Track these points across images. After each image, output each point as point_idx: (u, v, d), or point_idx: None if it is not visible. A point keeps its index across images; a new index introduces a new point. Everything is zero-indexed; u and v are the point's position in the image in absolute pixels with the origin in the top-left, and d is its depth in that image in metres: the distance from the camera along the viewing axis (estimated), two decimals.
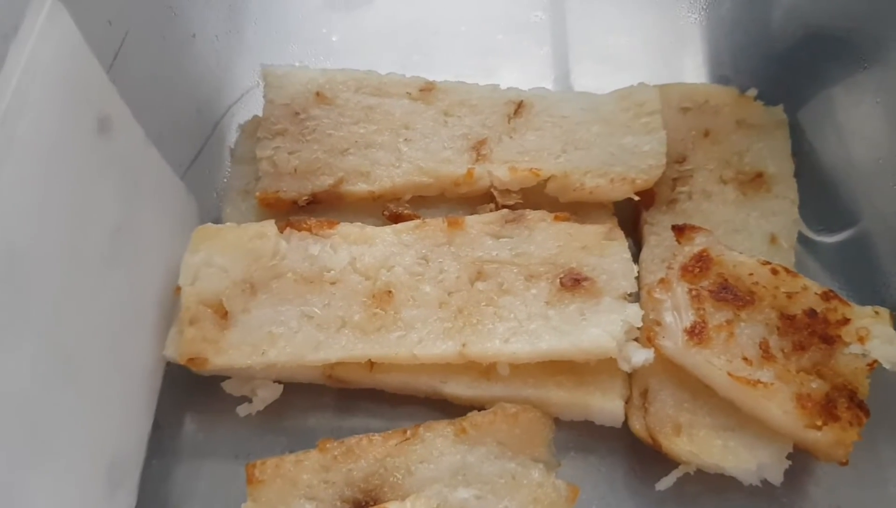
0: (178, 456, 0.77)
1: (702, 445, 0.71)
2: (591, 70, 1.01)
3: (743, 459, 0.70)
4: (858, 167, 0.88)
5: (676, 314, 0.75)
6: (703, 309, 0.74)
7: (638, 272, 0.79)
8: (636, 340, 0.75)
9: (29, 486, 0.58)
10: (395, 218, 0.84)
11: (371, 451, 0.71)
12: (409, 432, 0.72)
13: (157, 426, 0.76)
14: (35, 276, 0.59)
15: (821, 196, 0.89)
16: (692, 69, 1.01)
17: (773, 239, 0.83)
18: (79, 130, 0.67)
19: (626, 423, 0.75)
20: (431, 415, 0.77)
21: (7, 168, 0.58)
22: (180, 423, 0.78)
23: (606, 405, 0.74)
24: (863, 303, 0.77)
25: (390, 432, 0.72)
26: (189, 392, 0.79)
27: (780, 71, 0.95)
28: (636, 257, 0.84)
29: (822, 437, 0.69)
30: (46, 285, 0.61)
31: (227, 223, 0.82)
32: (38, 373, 0.59)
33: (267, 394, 0.77)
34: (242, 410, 0.77)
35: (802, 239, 0.86)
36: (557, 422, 0.75)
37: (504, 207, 0.84)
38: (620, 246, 0.79)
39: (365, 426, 0.76)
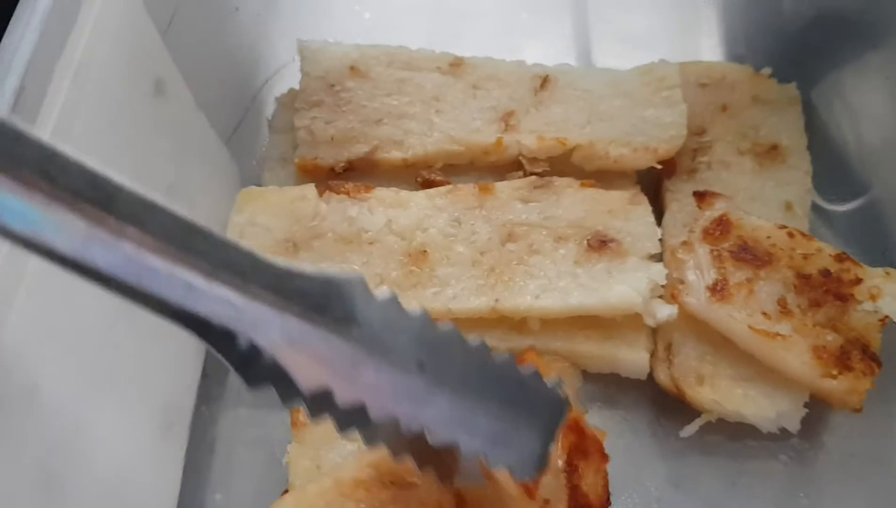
0: (225, 403, 0.81)
1: (723, 394, 0.75)
2: (611, 49, 1.05)
3: (762, 407, 0.74)
4: (868, 142, 0.92)
5: (699, 273, 0.79)
6: (724, 268, 0.78)
7: (661, 235, 0.83)
8: (660, 297, 0.79)
9: (94, 417, 0.62)
10: (428, 184, 0.88)
11: None
12: None
13: (205, 375, 0.80)
14: None
15: (832, 168, 0.93)
16: (708, 48, 1.05)
17: (788, 206, 0.87)
18: (138, 91, 0.71)
19: (650, 377, 0.79)
20: None
21: (77, 123, 0.62)
22: (227, 372, 0.82)
23: (632, 356, 0.78)
24: (874, 266, 0.81)
25: None
26: None
27: (793, 50, 0.99)
28: (658, 223, 0.88)
29: (837, 385, 0.73)
30: None
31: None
32: (105, 311, 0.63)
33: None
34: None
35: (815, 208, 0.90)
36: (585, 374, 0.79)
37: (532, 174, 0.88)
38: (644, 210, 0.83)
39: None
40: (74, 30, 0.63)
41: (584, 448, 0.68)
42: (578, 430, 0.68)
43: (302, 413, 0.74)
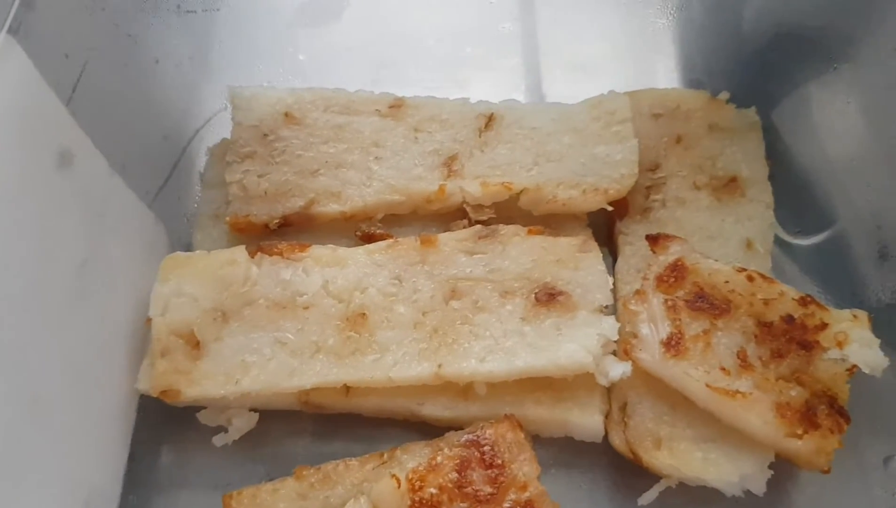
0: (155, 488, 0.76)
1: (682, 458, 0.71)
2: (562, 79, 1.00)
3: (724, 471, 0.70)
4: (833, 167, 0.88)
5: (653, 326, 0.74)
6: (680, 320, 0.74)
7: (613, 284, 0.79)
8: (614, 353, 0.74)
9: None
10: (368, 238, 0.84)
11: (348, 476, 0.70)
12: (385, 455, 0.71)
13: (133, 458, 0.75)
14: None
15: (796, 198, 0.88)
16: (664, 73, 1.01)
17: (748, 244, 0.83)
18: (38, 165, 0.66)
19: (606, 437, 0.75)
20: (410, 436, 0.76)
21: None
22: (157, 455, 0.77)
23: (585, 420, 0.74)
24: (841, 305, 0.76)
25: (367, 456, 0.71)
26: (164, 424, 0.78)
27: (753, 72, 0.95)
28: (612, 269, 0.83)
29: (803, 446, 0.68)
30: (9, 324, 0.60)
31: (198, 250, 0.81)
32: (3, 415, 0.58)
33: (243, 423, 0.76)
34: (219, 440, 0.76)
35: (779, 242, 0.86)
36: (537, 439, 0.75)
37: (477, 222, 0.83)
38: (595, 258, 0.78)
39: (344, 450, 0.75)
40: None
41: None
42: None
43: (235, 500, 0.70)
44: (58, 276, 0.67)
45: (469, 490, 0.67)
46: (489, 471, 0.67)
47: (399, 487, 0.66)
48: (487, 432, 0.70)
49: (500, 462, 0.68)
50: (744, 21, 0.96)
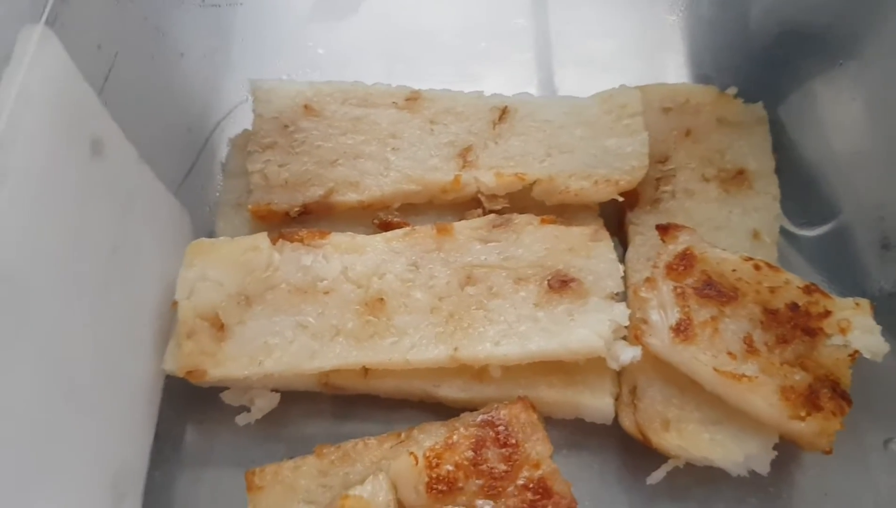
0: (180, 466, 0.79)
1: (690, 439, 0.73)
2: (574, 73, 1.03)
3: (730, 451, 0.72)
4: (838, 161, 0.90)
5: (662, 312, 0.76)
6: (688, 306, 0.76)
7: (624, 272, 0.81)
8: (624, 338, 0.77)
9: (37, 501, 0.60)
10: (385, 226, 0.86)
11: (367, 454, 0.73)
12: (403, 434, 0.74)
13: (158, 437, 0.78)
14: (34, 300, 0.61)
15: (802, 190, 0.90)
16: (674, 69, 1.03)
17: (755, 235, 0.85)
18: (72, 153, 0.68)
19: (616, 419, 0.77)
20: (426, 417, 0.78)
21: (3, 194, 0.59)
22: (181, 434, 0.80)
23: (596, 403, 0.76)
24: (845, 294, 0.78)
25: (385, 435, 0.74)
26: (189, 403, 0.80)
27: (760, 68, 0.97)
28: (622, 257, 0.86)
29: (805, 427, 0.70)
30: (45, 309, 0.62)
31: (221, 237, 0.84)
32: (39, 393, 0.61)
33: (264, 403, 0.79)
34: (241, 419, 0.79)
35: (785, 233, 0.88)
36: (549, 420, 0.77)
37: (491, 212, 0.86)
38: (606, 247, 0.81)
39: (362, 430, 0.77)
40: None
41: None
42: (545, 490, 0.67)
43: (257, 476, 0.73)
44: (89, 261, 0.70)
45: (484, 467, 0.69)
46: (503, 450, 0.70)
47: (417, 464, 0.69)
48: (502, 412, 0.72)
49: (513, 441, 0.70)
50: (751, 18, 0.98)
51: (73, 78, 0.68)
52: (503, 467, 0.69)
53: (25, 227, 0.61)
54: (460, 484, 0.68)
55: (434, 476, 0.68)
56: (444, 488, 0.68)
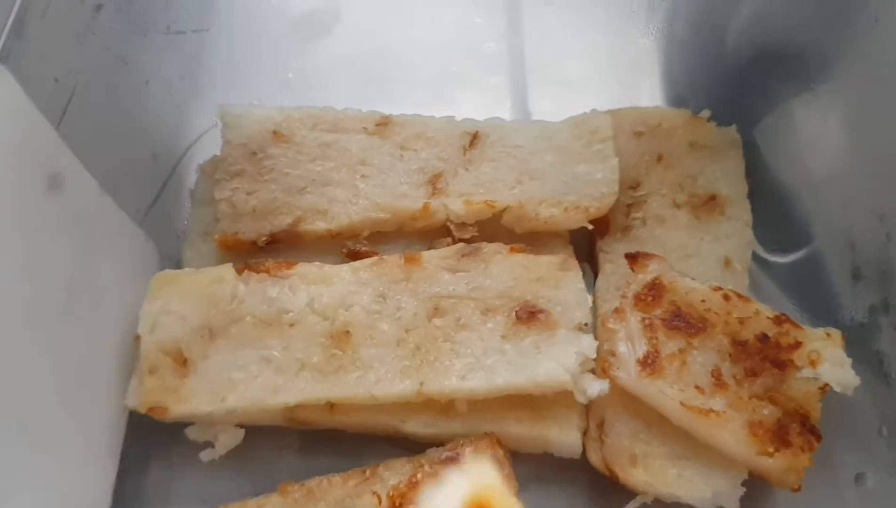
0: (143, 503, 0.77)
1: (657, 475, 0.72)
2: (548, 96, 1.02)
3: (698, 487, 0.71)
4: (811, 185, 0.89)
5: (630, 345, 0.76)
6: (656, 338, 0.75)
7: (594, 301, 0.80)
8: (592, 371, 0.76)
9: None
10: (354, 255, 0.85)
11: (331, 493, 0.72)
12: (367, 472, 0.73)
13: (121, 473, 0.76)
14: None
15: (775, 215, 0.90)
16: (648, 91, 1.02)
17: (726, 262, 0.84)
18: (28, 190, 0.67)
19: (584, 454, 0.76)
20: (394, 451, 0.77)
21: None
22: (145, 471, 0.79)
23: (564, 438, 0.75)
24: (817, 322, 0.78)
25: (349, 472, 0.73)
26: (153, 439, 0.79)
27: (734, 90, 0.96)
28: (594, 285, 0.85)
29: (774, 464, 0.70)
30: None
31: (187, 267, 0.83)
32: None
33: (229, 439, 0.78)
34: (206, 455, 0.78)
35: (757, 259, 0.87)
36: (516, 455, 0.76)
37: (460, 240, 0.85)
38: (575, 277, 0.80)
39: (329, 465, 0.76)
40: None
41: None
42: None
43: None
44: (46, 296, 0.68)
45: None
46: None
47: (380, 504, 0.68)
48: (467, 449, 0.71)
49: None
50: (726, 41, 0.97)
51: (27, 113, 0.67)
52: None
53: None
54: None
55: None
56: None
